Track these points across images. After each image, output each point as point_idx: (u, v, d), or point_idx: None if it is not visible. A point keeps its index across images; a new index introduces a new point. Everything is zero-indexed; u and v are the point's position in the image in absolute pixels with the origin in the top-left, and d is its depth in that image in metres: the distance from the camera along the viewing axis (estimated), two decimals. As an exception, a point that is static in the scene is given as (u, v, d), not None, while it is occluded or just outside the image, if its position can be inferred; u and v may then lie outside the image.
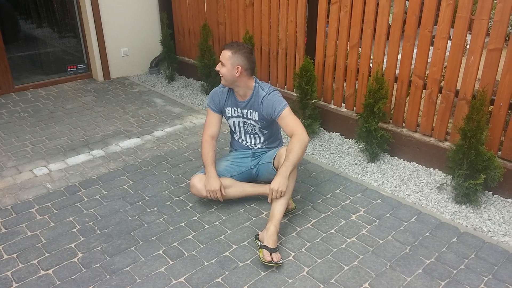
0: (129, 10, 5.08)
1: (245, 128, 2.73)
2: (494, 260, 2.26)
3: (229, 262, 2.25)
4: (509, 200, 2.79)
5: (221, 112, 2.73)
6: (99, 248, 2.35)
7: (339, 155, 3.40)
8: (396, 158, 3.33)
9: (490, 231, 2.51)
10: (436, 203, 2.78)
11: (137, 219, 2.61)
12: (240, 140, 2.81)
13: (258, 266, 2.22)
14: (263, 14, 4.08)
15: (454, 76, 2.93)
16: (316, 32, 3.69)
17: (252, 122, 2.67)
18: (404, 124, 3.34)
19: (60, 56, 5.28)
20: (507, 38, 4.68)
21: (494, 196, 2.84)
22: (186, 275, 2.16)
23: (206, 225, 2.55)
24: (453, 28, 2.87)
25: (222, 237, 2.44)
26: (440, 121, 3.08)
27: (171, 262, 2.25)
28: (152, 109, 4.33)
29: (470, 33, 2.77)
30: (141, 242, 2.40)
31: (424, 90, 3.13)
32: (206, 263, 2.24)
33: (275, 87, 2.93)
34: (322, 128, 3.83)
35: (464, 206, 2.72)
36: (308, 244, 2.39)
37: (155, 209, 2.70)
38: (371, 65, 3.41)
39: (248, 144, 2.79)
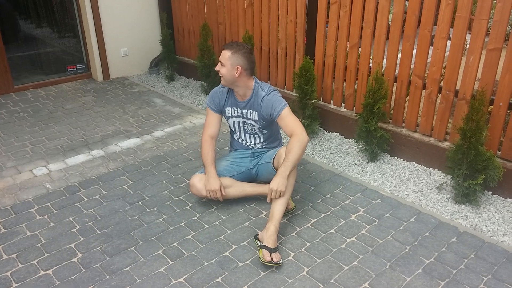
0: (129, 10, 5.08)
1: (245, 128, 2.74)
2: (493, 259, 2.26)
3: (229, 262, 2.25)
4: (508, 200, 2.79)
5: (221, 112, 2.73)
6: (98, 248, 2.35)
7: (338, 155, 3.40)
8: (396, 158, 3.33)
9: (489, 231, 2.51)
10: (435, 203, 2.78)
11: (137, 219, 2.61)
12: (240, 140, 2.81)
13: (258, 266, 2.22)
14: (262, 14, 4.08)
15: (454, 76, 2.93)
16: (316, 32, 3.69)
17: (251, 122, 2.67)
18: (403, 124, 3.34)
19: (59, 56, 5.28)
20: (506, 38, 4.68)
21: (494, 196, 2.84)
22: (186, 275, 2.16)
23: (205, 225, 2.55)
24: (452, 28, 2.87)
25: (221, 237, 2.44)
26: (439, 121, 3.08)
27: (171, 262, 2.25)
28: (151, 109, 4.32)
29: (469, 33, 2.77)
30: (140, 242, 2.40)
31: (423, 90, 3.13)
32: (205, 263, 2.24)
33: (274, 87, 2.93)
34: (321, 128, 3.83)
35: (463, 206, 2.73)
36: (308, 244, 2.39)
37: (155, 209, 2.70)
38: (370, 65, 3.41)
39: (248, 144, 2.79)
